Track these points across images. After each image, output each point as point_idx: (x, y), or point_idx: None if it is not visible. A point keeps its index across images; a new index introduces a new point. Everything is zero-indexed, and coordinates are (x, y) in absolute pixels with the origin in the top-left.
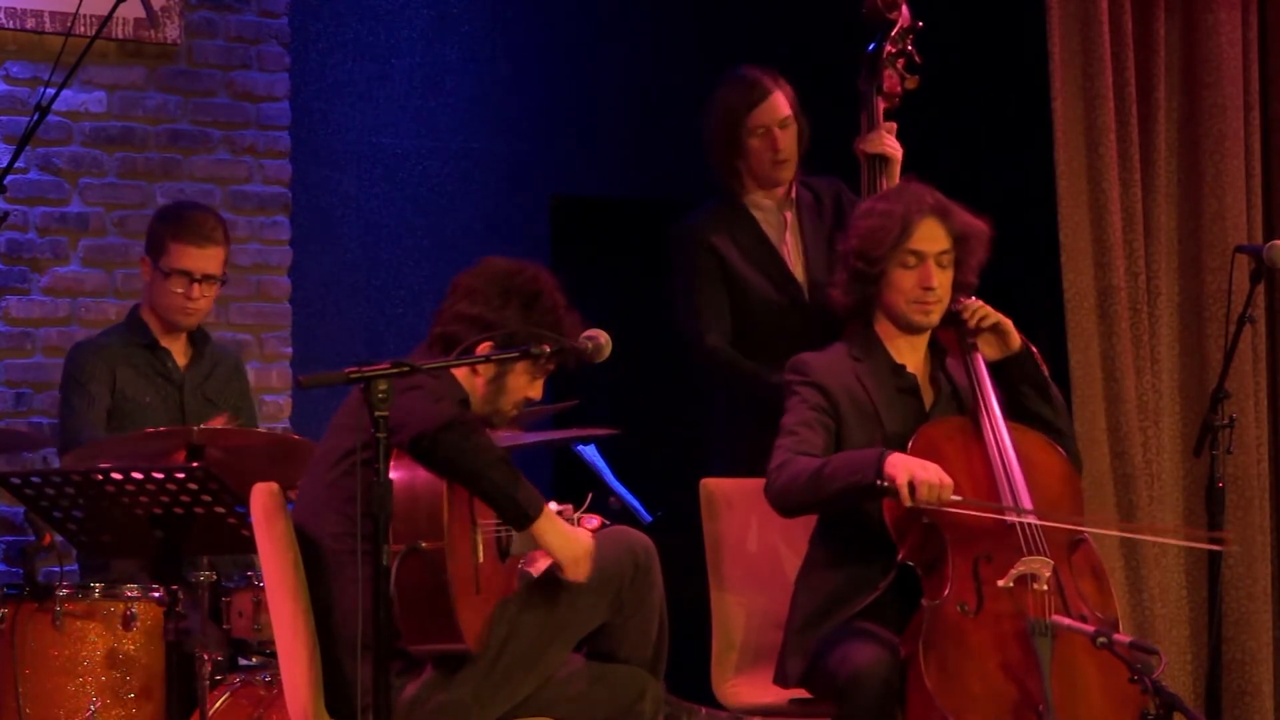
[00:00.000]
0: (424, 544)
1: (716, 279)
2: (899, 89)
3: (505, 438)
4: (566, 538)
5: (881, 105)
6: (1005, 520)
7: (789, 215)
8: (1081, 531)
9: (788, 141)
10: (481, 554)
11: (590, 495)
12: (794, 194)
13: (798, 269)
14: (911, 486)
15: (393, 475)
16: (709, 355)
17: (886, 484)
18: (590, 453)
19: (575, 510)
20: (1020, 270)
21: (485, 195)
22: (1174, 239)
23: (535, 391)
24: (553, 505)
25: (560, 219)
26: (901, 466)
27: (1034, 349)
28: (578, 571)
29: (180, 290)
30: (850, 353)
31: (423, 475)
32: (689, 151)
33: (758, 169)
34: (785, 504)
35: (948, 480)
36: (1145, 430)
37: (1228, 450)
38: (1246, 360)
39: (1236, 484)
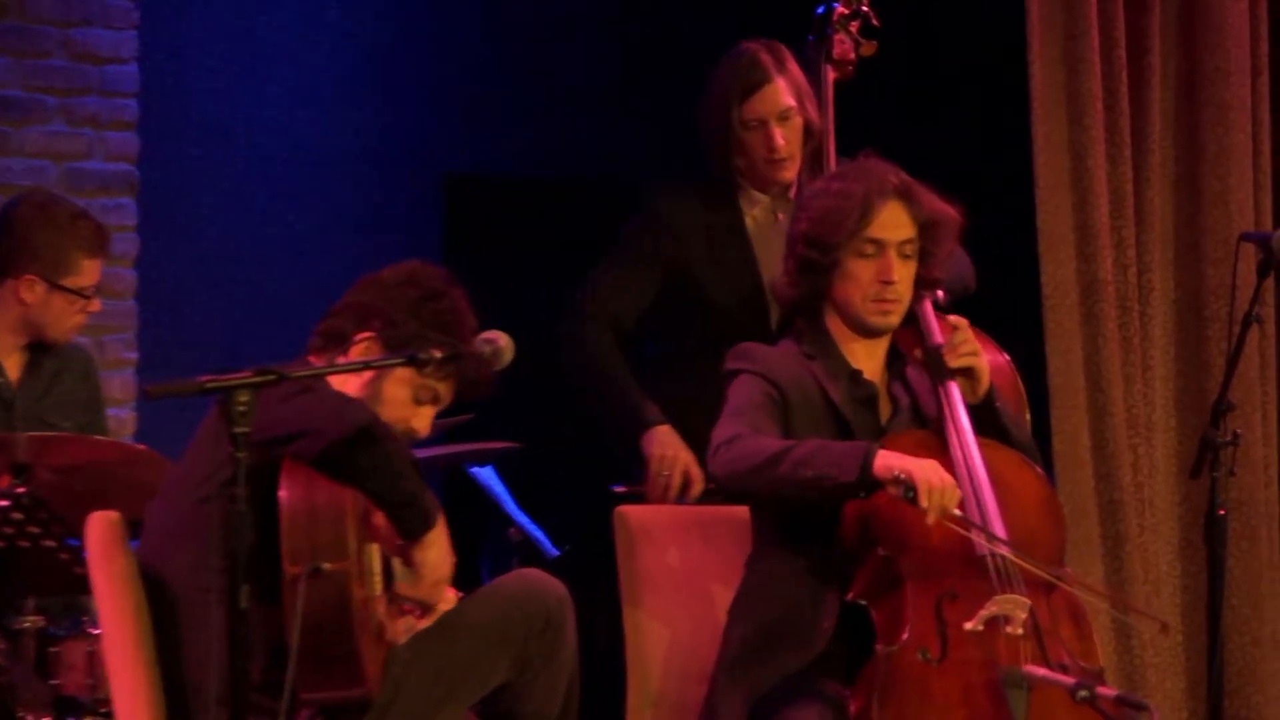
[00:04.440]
0: (326, 565)
1: (650, 267)
2: (852, 55)
3: None
4: (445, 554)
5: (832, 75)
6: (976, 551)
7: (782, 217)
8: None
9: (788, 137)
10: (377, 585)
11: None
12: (795, 192)
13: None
14: (912, 488)
15: (283, 493)
16: (572, 337)
17: (891, 477)
18: (487, 475)
19: None
20: (992, 262)
21: (368, 174)
22: (1169, 225)
23: (420, 421)
24: None
25: (454, 200)
26: (897, 463)
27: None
28: (436, 595)
29: (88, 307)
30: (803, 350)
31: (323, 487)
32: (601, 125)
33: (751, 166)
34: (733, 475)
35: (950, 480)
36: (1135, 448)
37: (1230, 472)
38: (1252, 366)
39: (1240, 511)
